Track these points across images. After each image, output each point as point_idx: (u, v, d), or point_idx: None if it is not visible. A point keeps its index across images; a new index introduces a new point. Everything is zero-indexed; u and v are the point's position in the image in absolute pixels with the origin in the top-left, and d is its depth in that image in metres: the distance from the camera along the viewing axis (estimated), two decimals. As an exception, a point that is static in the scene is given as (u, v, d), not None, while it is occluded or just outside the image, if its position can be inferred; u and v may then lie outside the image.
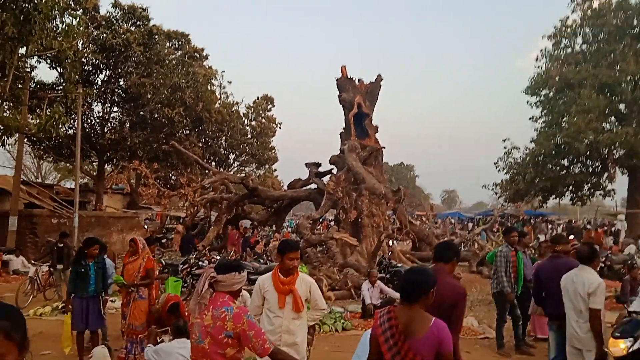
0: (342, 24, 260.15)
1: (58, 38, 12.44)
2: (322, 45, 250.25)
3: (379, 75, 18.22)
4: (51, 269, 12.11)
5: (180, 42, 29.15)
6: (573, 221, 32.36)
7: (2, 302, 1.69)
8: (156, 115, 25.59)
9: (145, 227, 24.95)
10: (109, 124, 26.26)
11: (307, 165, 19.21)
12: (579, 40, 28.40)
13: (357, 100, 17.25)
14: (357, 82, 17.90)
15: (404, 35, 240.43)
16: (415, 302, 3.03)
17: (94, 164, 29.89)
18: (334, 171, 17.77)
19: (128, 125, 25.74)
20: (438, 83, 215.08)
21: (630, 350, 4.71)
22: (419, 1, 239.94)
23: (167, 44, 27.63)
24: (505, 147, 28.61)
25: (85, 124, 24.13)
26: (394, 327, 2.99)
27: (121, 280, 7.14)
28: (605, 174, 26.30)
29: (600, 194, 27.74)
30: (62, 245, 12.08)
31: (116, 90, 25.21)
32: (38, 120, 12.65)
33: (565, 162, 27.23)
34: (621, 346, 4.80)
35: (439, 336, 2.94)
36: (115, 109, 26.44)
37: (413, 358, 2.90)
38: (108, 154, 26.44)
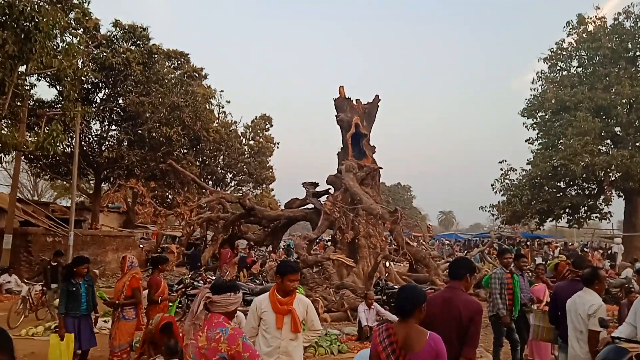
0: (340, 45, 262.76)
1: (58, 57, 12.49)
2: (320, 66, 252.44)
3: (377, 96, 18.35)
4: (44, 288, 11.94)
5: (179, 62, 29.36)
6: (569, 244, 32.35)
7: None
8: (154, 134, 25.62)
9: (141, 246, 24.80)
10: (107, 142, 26.26)
11: (304, 185, 19.21)
12: (575, 63, 28.76)
13: (355, 120, 17.34)
14: (354, 102, 18.01)
15: (401, 56, 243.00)
16: (409, 317, 3.23)
17: (90, 182, 29.82)
18: (331, 191, 17.77)
19: (126, 143, 25.75)
20: (435, 104, 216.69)
21: None
22: (416, 23, 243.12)
23: (167, 63, 27.81)
24: (502, 169, 28.73)
25: (83, 142, 24.13)
26: (394, 343, 3.17)
27: (104, 296, 7.07)
28: (602, 197, 26.34)
29: (596, 217, 27.75)
30: (55, 264, 11.95)
31: (115, 108, 25.27)
32: (36, 138, 12.64)
33: (562, 185, 27.28)
34: None
35: (436, 348, 3.14)
36: (114, 127, 26.48)
37: None
38: (105, 172, 26.40)
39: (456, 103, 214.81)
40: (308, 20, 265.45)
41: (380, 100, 18.40)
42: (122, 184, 24.38)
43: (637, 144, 25.22)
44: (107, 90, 24.93)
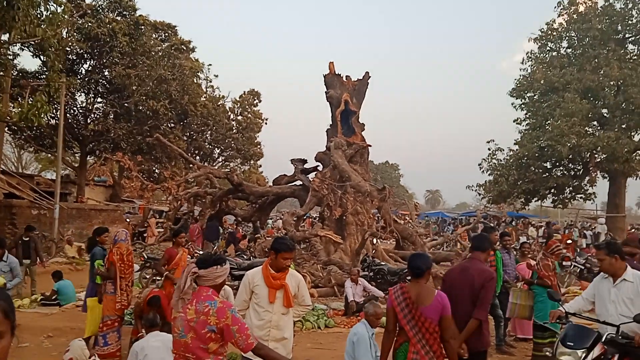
0: (331, 21, 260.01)
1: (42, 25, 12.20)
2: (310, 41, 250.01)
3: (367, 73, 18.20)
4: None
5: (166, 34, 28.88)
6: (553, 224, 32.78)
7: None
8: (141, 107, 25.29)
9: (127, 220, 24.66)
10: (93, 115, 25.89)
11: (292, 161, 19.15)
12: (564, 44, 28.74)
13: (345, 97, 17.22)
14: (344, 79, 17.86)
15: (390, 35, 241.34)
16: (420, 278, 3.90)
17: (76, 155, 29.48)
18: (320, 168, 17.73)
19: (112, 116, 25.41)
20: (424, 83, 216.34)
21: None
22: (406, 1, 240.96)
23: (154, 35, 27.32)
24: (489, 149, 28.85)
25: (68, 114, 23.75)
26: (407, 299, 3.84)
27: (100, 264, 7.13)
28: (587, 178, 26.64)
29: (581, 197, 28.10)
30: (27, 239, 11.52)
31: (100, 80, 24.86)
32: (20, 109, 12.40)
33: (548, 165, 27.52)
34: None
35: (442, 303, 3.81)
36: (99, 99, 26.08)
37: (424, 321, 3.78)
38: (91, 145, 26.09)
39: (445, 82, 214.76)
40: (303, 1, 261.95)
41: (370, 77, 18.26)
42: (108, 158, 24.11)
43: (623, 126, 25.45)
44: (92, 62, 24.48)
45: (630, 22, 26.10)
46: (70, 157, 30.76)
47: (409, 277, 11.40)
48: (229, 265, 3.40)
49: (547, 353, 5.64)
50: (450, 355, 3.92)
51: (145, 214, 26.38)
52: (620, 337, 4.23)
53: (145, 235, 22.22)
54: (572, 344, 4.39)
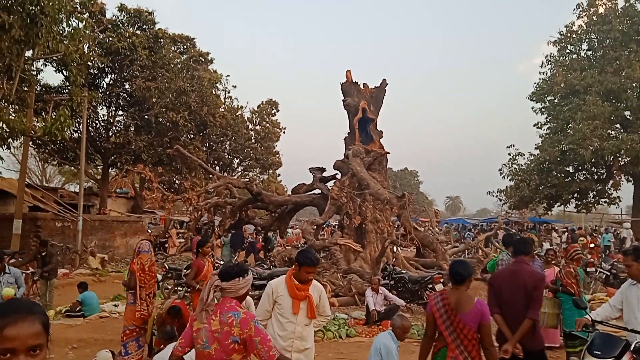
0: (347, 29, 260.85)
1: (64, 41, 12.42)
2: (327, 50, 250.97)
3: (384, 80, 18.20)
4: (34, 278, 11.36)
5: (185, 46, 29.21)
6: (576, 229, 32.21)
7: (32, 300, 1.75)
8: (161, 119, 25.60)
9: (149, 231, 24.94)
10: (114, 128, 26.29)
11: (311, 170, 19.19)
12: (584, 46, 28.36)
13: (362, 105, 17.24)
14: (362, 86, 17.88)
15: (407, 40, 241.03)
16: (461, 285, 3.94)
17: (98, 167, 29.92)
18: (338, 176, 17.74)
19: (133, 129, 25.76)
20: (441, 88, 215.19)
21: None
22: (422, 5, 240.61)
23: (172, 48, 27.67)
24: (509, 154, 28.54)
25: (90, 128, 24.15)
26: (447, 305, 3.91)
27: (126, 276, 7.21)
28: (611, 182, 26.15)
29: (605, 202, 27.58)
30: (44, 253, 11.33)
31: (121, 93, 25.25)
32: (43, 123, 12.63)
33: (570, 169, 27.10)
34: None
35: (481, 310, 3.87)
36: (120, 112, 26.48)
37: (463, 328, 3.84)
38: (112, 157, 26.47)
39: (462, 86, 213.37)
40: (316, 3, 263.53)
41: (387, 84, 18.25)
42: (129, 170, 24.44)
43: (647, 128, 24.94)
44: (113, 75, 24.89)
45: (651, 22, 25.64)
46: (93, 169, 31.26)
47: (430, 285, 11.39)
48: (251, 276, 3.40)
49: (574, 362, 5.48)
50: None
51: (166, 224, 26.66)
52: None
53: (166, 245, 22.43)
54: (599, 352, 4.28)
